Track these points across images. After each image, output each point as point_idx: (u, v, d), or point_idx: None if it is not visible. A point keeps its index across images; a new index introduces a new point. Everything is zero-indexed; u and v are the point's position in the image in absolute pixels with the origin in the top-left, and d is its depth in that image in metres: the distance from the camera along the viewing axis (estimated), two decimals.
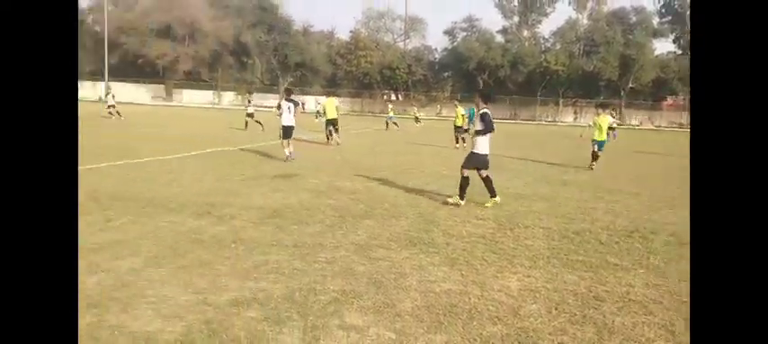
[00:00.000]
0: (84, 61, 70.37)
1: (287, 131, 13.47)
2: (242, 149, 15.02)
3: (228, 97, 68.22)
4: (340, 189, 9.35)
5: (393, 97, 67.14)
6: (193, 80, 68.51)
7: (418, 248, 5.80)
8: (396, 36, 74.84)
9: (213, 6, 74.58)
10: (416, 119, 35.30)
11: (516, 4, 67.03)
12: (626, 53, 57.14)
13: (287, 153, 13.31)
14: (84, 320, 3.64)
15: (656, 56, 60.91)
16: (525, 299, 4.42)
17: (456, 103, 23.11)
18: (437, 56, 70.44)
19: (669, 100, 62.06)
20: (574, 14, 65.89)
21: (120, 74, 67.37)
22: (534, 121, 57.72)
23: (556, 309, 4.22)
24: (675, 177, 12.33)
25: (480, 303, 4.27)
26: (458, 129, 20.32)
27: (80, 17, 66.94)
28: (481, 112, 8.23)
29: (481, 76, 61.68)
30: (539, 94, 60.66)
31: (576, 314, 4.13)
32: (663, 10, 63.42)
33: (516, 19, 68.28)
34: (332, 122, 18.73)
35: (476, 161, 8.24)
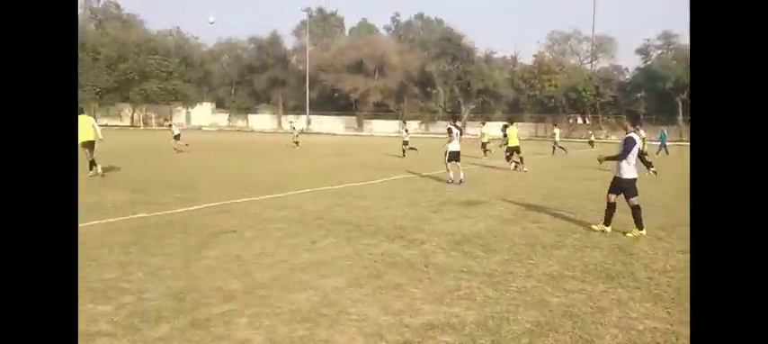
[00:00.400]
0: (289, 97, 78.15)
1: (453, 156, 14.12)
2: (424, 176, 15.45)
3: (413, 126, 70.73)
4: (526, 216, 9.17)
5: (579, 121, 64.26)
6: (382, 111, 72.23)
7: (617, 282, 5.47)
8: (582, 58, 71.79)
9: (400, 41, 78.36)
10: (591, 143, 34.36)
11: None
12: None
13: (451, 176, 14.02)
14: (297, 332, 4.03)
15: None
16: None
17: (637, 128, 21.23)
18: (628, 76, 66.15)
19: None
20: None
21: (319, 107, 73.46)
22: None
23: None
24: None
25: None
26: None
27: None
28: (626, 136, 7.88)
29: (680, 97, 56.42)
30: None
31: None
32: None
33: None
34: (515, 150, 18.58)
35: (620, 186, 7.86)
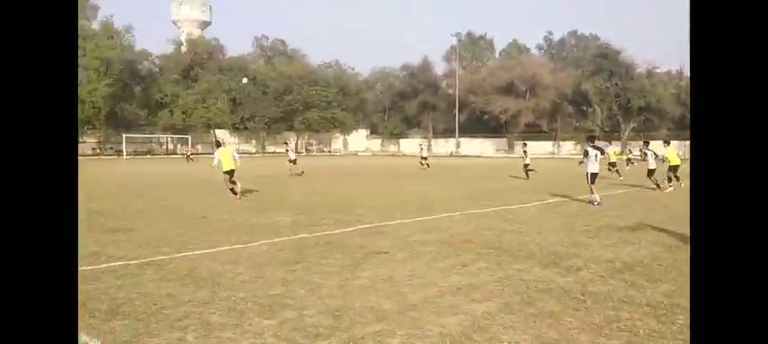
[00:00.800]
0: (439, 120, 79.12)
1: (593, 178, 13.98)
2: (579, 200, 14.70)
3: (567, 147, 67.84)
4: None
5: None
6: (534, 132, 70.33)
7: None
8: None
9: (553, 59, 76.00)
10: None
11: None
12: None
13: (597, 198, 13.66)
14: None
15: None
16: None
17: None
18: None
19: None
20: None
21: (469, 130, 73.39)
22: None
23: None
24: None
25: None
26: None
27: None
28: None
29: None
30: None
31: None
32: None
33: None
34: (673, 169, 17.50)
35: None
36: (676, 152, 18.04)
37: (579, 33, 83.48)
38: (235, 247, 8.18)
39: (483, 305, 5.26)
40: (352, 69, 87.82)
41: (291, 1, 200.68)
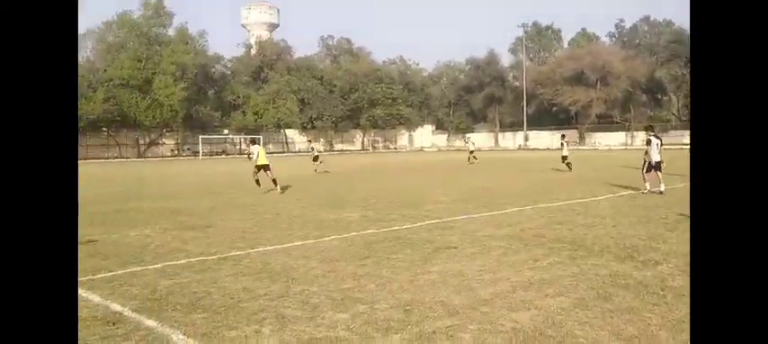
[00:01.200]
0: (506, 114, 77.84)
1: (656, 166, 14.23)
2: (655, 192, 14.07)
3: (641, 137, 65.22)
4: None
5: None
6: (605, 122, 67.98)
7: None
8: None
9: (625, 47, 73.09)
10: None
11: None
12: None
13: (649, 187, 14.08)
14: None
15: None
16: None
17: None
18: None
19: None
20: None
21: (537, 122, 71.84)
22: None
23: None
24: None
25: None
26: None
27: None
28: None
29: None
30: None
31: None
32: None
33: None
34: None
35: None
36: None
37: (652, 19, 79.85)
38: (306, 242, 8.36)
39: (557, 301, 5.14)
40: (417, 65, 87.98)
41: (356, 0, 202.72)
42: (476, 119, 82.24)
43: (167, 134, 63.10)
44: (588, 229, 9.00)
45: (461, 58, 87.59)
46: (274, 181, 16.27)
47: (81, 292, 5.73)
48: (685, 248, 7.27)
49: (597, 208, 11.61)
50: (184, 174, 28.89)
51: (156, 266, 6.92)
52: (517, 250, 7.43)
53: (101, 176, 27.33)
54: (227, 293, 5.62)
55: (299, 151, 70.51)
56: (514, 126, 76.35)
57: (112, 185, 20.96)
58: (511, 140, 76.30)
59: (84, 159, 53.53)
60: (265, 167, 16.51)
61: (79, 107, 52.04)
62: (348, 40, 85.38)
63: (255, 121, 65.76)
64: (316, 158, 27.35)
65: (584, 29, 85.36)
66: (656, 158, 14.32)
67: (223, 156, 60.52)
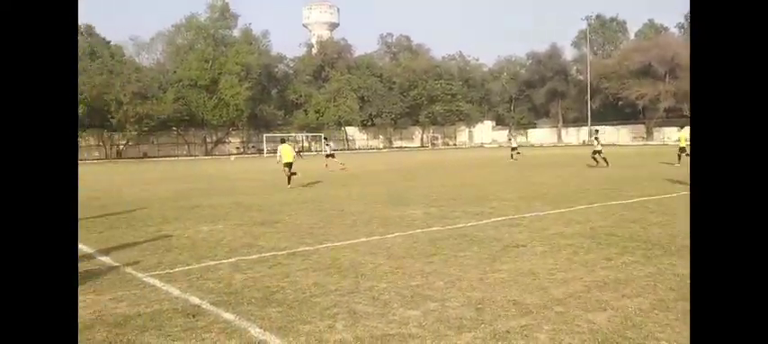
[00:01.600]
0: (569, 109, 75.88)
1: None
2: None
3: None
4: None
5: None
6: (675, 116, 65.17)
7: None
8: None
9: None
10: None
11: None
12: None
13: None
14: None
15: None
16: None
17: None
18: None
19: None
20: None
21: (602, 118, 69.70)
22: None
23: None
24: None
25: None
26: None
27: None
28: None
29: None
30: None
31: None
32: None
33: None
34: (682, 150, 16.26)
35: None
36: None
37: None
38: (372, 238, 8.42)
39: (634, 301, 4.96)
40: (476, 60, 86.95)
41: None
42: (538, 114, 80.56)
43: (233, 133, 65.01)
44: (662, 227, 8.65)
45: (522, 53, 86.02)
46: (290, 176, 18.01)
47: (160, 284, 5.99)
48: None
49: (671, 205, 11.14)
50: (250, 171, 29.67)
51: (229, 260, 7.14)
52: (589, 249, 7.23)
53: (172, 174, 28.45)
54: (299, 287, 5.73)
55: (360, 148, 71.12)
56: (578, 121, 74.30)
57: (184, 183, 21.77)
58: (574, 135, 74.28)
59: (156, 157, 55.89)
60: (289, 165, 18.17)
61: (151, 107, 54.45)
62: (407, 38, 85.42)
63: (317, 119, 66.80)
64: (329, 155, 28.25)
65: (651, 20, 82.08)
66: None
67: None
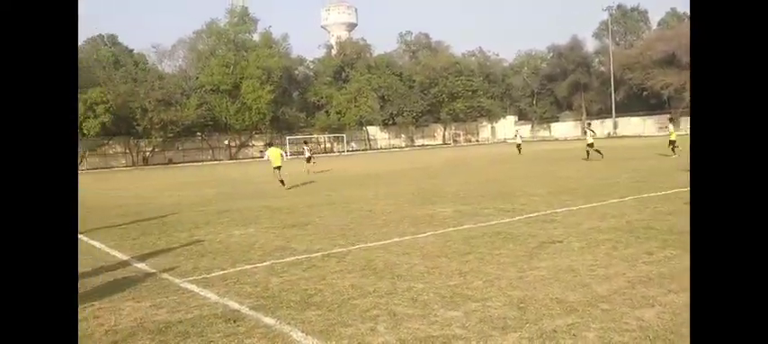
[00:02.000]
0: (592, 101, 74.89)
1: None
2: None
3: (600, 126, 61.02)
4: None
5: None
6: None
7: None
8: None
9: None
10: None
11: None
12: None
13: None
14: None
15: None
16: None
17: None
18: None
19: None
20: None
21: (626, 109, 68.70)
22: None
23: None
24: None
25: None
26: None
27: None
28: None
29: None
30: None
31: None
32: None
33: None
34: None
35: None
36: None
37: None
38: (404, 238, 8.36)
39: (681, 297, 4.82)
40: (497, 55, 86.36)
41: None
42: (560, 107, 79.62)
43: (256, 136, 65.44)
44: None
45: (542, 47, 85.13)
46: (283, 181, 18.45)
47: (198, 290, 6.01)
48: None
49: None
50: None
51: (264, 263, 7.14)
52: (628, 243, 7.08)
53: (198, 179, 28.72)
54: (337, 290, 5.70)
55: (381, 148, 71.13)
56: (602, 113, 73.25)
57: (210, 187, 21.95)
58: (598, 127, 73.19)
59: (181, 163, 56.54)
60: (278, 168, 18.69)
61: (175, 114, 55.08)
62: (426, 36, 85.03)
63: (338, 119, 66.89)
64: (308, 160, 28.21)
65: (673, 9, 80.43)
66: None
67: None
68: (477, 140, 78.40)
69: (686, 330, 4.05)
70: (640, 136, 55.85)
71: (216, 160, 60.69)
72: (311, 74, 73.67)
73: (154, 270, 7.12)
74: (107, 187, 25.66)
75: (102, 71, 58.54)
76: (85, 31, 74.20)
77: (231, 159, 62.13)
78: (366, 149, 69.36)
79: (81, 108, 50.01)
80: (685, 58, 63.16)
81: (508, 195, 13.09)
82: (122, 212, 14.52)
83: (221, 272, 6.81)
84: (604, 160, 23.60)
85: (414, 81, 73.29)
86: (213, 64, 60.45)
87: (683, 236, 7.29)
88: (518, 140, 37.34)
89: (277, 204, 14.03)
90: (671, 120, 27.62)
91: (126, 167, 55.94)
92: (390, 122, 71.96)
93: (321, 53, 79.27)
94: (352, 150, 66.74)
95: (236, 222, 11.16)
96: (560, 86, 75.91)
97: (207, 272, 6.84)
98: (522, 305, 4.86)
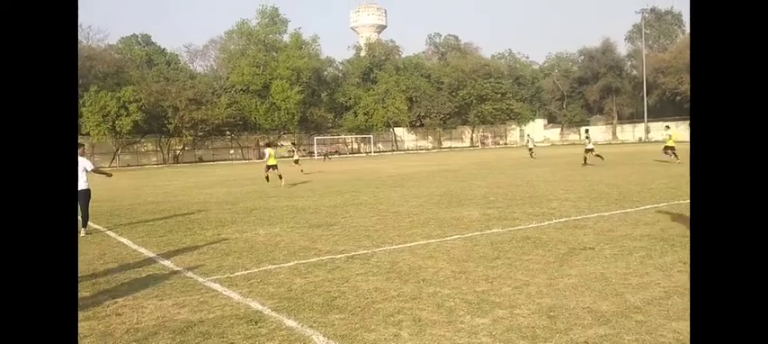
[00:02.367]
0: (624, 105, 73.53)
1: None
2: None
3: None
4: None
5: None
6: None
7: None
8: None
9: None
10: None
11: None
12: None
13: None
14: None
15: None
16: None
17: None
18: None
19: None
20: None
21: (659, 113, 67.37)
22: None
23: None
24: None
25: None
26: None
27: None
28: None
29: None
30: None
31: None
32: None
33: None
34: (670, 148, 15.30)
35: None
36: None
37: None
38: (430, 241, 8.22)
39: None
40: (526, 58, 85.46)
41: None
42: (591, 111, 78.41)
43: (284, 136, 65.92)
44: None
45: (574, 49, 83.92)
46: (280, 176, 19.99)
47: (221, 289, 5.96)
48: None
49: None
50: (301, 173, 29.90)
51: (288, 264, 7.07)
52: (663, 251, 6.82)
53: (227, 177, 28.97)
54: (360, 293, 5.59)
55: (409, 149, 70.96)
56: (634, 118, 71.98)
57: (238, 186, 22.08)
58: (630, 132, 71.97)
59: (211, 161, 57.22)
60: (274, 167, 20.27)
61: (205, 113, 55.77)
62: (455, 37, 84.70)
63: (366, 121, 66.97)
64: (296, 162, 28.90)
65: None
66: None
67: (336, 155, 62.28)
68: (506, 143, 77.66)
69: None
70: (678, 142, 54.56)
71: (245, 159, 61.29)
72: (340, 75, 73.93)
73: (179, 268, 7.11)
74: (137, 184, 26.04)
75: (135, 70, 59.67)
76: (120, 31, 75.63)
77: (260, 159, 62.67)
78: (393, 151, 69.28)
79: (114, 106, 51.05)
80: None
81: (538, 199, 12.84)
82: (151, 209, 14.67)
83: (245, 271, 6.76)
84: (637, 166, 23.06)
85: (442, 83, 72.97)
86: (243, 64, 61.06)
87: None
88: (530, 145, 37.34)
89: (302, 204, 14.01)
90: (667, 127, 27.86)
91: (157, 164, 56.86)
92: (418, 124, 71.77)
93: (350, 54, 79.53)
94: (380, 151, 66.73)
95: (263, 221, 11.15)
96: (591, 89, 74.81)
97: (231, 271, 6.80)
98: (551, 314, 4.68)
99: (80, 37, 59.22)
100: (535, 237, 8.18)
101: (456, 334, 4.32)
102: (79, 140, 10.73)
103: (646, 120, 67.62)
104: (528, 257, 6.89)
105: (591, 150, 25.50)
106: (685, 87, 62.98)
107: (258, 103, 60.40)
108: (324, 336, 4.43)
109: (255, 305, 5.31)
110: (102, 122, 51.21)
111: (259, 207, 13.80)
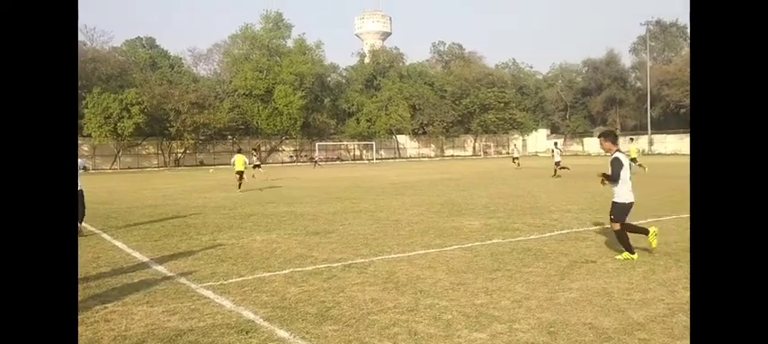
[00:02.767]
0: (627, 117, 73.41)
1: None
2: None
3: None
4: None
5: None
6: None
7: None
8: None
9: None
10: None
11: None
12: None
13: None
14: None
15: None
16: None
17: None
18: None
19: None
20: None
21: (662, 126, 67.24)
22: None
23: None
24: None
25: None
26: None
27: None
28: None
29: None
30: None
31: None
32: None
33: None
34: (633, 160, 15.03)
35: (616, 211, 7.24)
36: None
37: None
38: (429, 251, 8.08)
39: None
40: (530, 68, 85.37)
41: (467, 4, 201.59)
42: (594, 122, 78.21)
43: (286, 141, 65.82)
44: None
45: (578, 60, 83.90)
46: (240, 184, 20.92)
47: (214, 296, 5.82)
48: None
49: None
50: (304, 179, 29.78)
51: (284, 271, 6.93)
52: (667, 267, 6.67)
53: (226, 182, 28.86)
54: (356, 303, 5.45)
55: (411, 157, 70.86)
56: (637, 129, 71.74)
57: (238, 190, 21.95)
58: (636, 144, 71.79)
59: (212, 165, 57.17)
60: (241, 173, 21.11)
61: (207, 117, 55.74)
62: (459, 46, 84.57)
63: (368, 127, 66.84)
64: (256, 166, 28.71)
65: None
66: None
67: (337, 162, 62.20)
68: (508, 153, 77.48)
69: None
70: (677, 154, 54.37)
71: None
72: (343, 81, 73.89)
73: (172, 273, 6.97)
74: (136, 187, 25.93)
75: (139, 73, 59.68)
76: (125, 33, 75.75)
77: (262, 163, 62.60)
78: (395, 158, 69.15)
79: (117, 108, 50.99)
80: None
81: (539, 210, 12.69)
82: (148, 212, 14.54)
83: (239, 278, 6.62)
84: (640, 178, 22.90)
85: (445, 91, 72.86)
86: (247, 68, 61.02)
87: None
88: (515, 154, 37.62)
89: (301, 210, 13.87)
90: (631, 140, 29.50)
91: (158, 167, 56.79)
92: (420, 132, 71.64)
93: (354, 61, 79.53)
94: (382, 159, 66.62)
95: (260, 227, 11.01)
96: (595, 100, 74.70)
97: (224, 278, 6.66)
98: (552, 330, 4.54)
99: (84, 38, 59.39)
100: (536, 248, 8.04)
101: None
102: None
103: (649, 132, 67.41)
104: (528, 269, 6.74)
105: (558, 163, 26.55)
106: (689, 99, 62.88)
107: (260, 107, 60.32)
108: None
109: (248, 314, 5.17)
110: (105, 124, 51.11)
111: (257, 213, 13.67)
